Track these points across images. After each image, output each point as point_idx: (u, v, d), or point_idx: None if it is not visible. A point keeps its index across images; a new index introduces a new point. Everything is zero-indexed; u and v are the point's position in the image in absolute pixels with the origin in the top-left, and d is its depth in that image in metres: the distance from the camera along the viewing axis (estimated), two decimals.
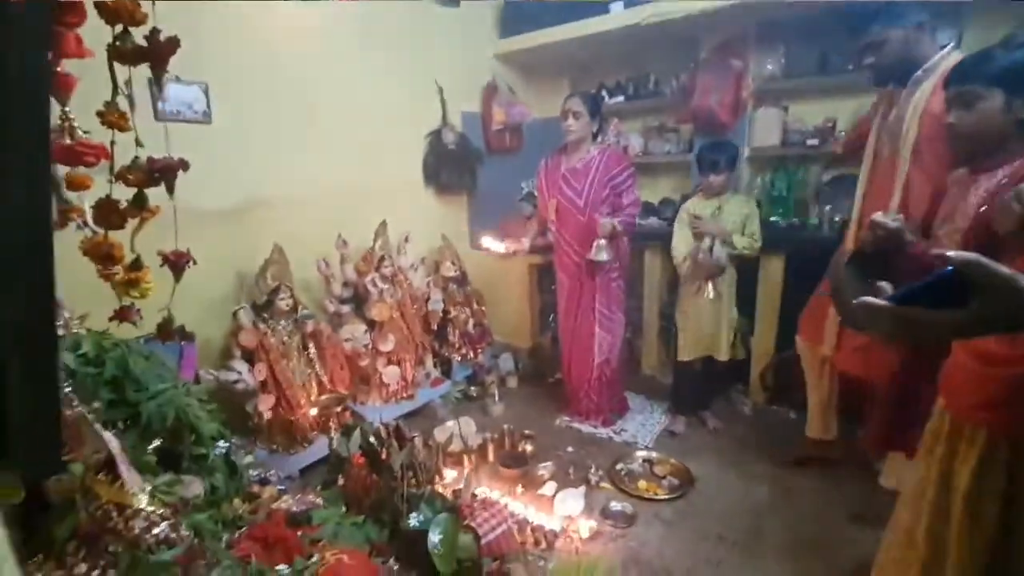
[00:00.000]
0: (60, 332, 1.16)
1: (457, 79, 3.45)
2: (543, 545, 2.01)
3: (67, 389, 1.10)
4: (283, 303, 2.43)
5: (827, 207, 2.91)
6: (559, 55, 3.65)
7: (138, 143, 1.14)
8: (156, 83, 1.06)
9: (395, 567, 1.70)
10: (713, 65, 3.10)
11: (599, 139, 2.71)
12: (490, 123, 3.64)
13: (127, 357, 1.21)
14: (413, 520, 1.73)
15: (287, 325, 2.48)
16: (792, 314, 2.44)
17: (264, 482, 2.03)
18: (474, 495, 2.02)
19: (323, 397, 2.49)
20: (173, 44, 1.08)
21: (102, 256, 1.12)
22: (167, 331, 1.30)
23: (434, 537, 1.66)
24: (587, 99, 2.58)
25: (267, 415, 2.36)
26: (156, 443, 1.23)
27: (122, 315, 1.28)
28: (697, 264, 2.57)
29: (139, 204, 1.18)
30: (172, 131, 2.20)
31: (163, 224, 2.14)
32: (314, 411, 2.42)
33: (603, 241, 2.53)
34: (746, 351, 2.92)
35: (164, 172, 1.17)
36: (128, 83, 1.04)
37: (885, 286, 0.80)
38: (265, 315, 2.43)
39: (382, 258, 2.86)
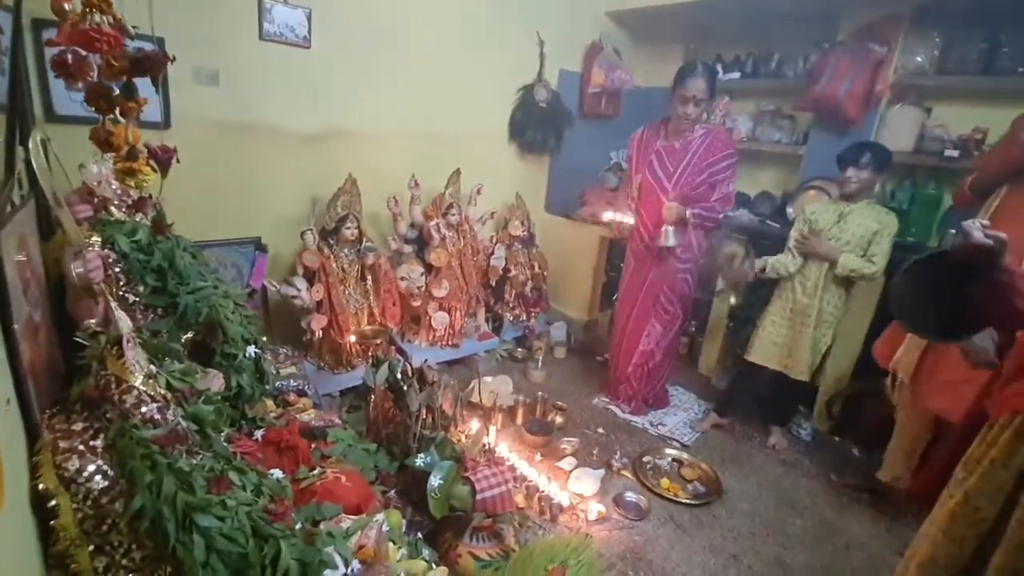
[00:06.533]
0: (122, 218, 1.28)
1: (562, 34, 3.31)
2: (547, 516, 2.00)
3: (116, 269, 1.22)
4: (349, 232, 2.53)
5: (951, 231, 2.50)
6: (677, 19, 3.37)
7: (128, 34, 1.14)
8: None
9: (395, 498, 1.77)
10: (850, 49, 2.72)
11: (705, 119, 2.46)
12: (588, 85, 3.47)
13: (175, 251, 1.31)
14: (419, 460, 1.79)
15: (349, 253, 2.59)
16: None
17: (302, 393, 2.18)
18: (484, 451, 2.04)
19: (366, 327, 2.59)
20: None
21: (100, 141, 1.16)
22: (160, 225, 1.36)
23: (434, 481, 1.70)
24: (711, 82, 2.28)
25: (319, 333, 2.50)
26: (190, 334, 1.34)
27: (137, 206, 1.37)
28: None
29: (128, 94, 1.19)
30: (273, 52, 2.37)
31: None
32: (353, 338, 2.53)
33: (670, 227, 2.38)
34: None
35: (148, 63, 1.14)
36: None
37: None
38: (331, 240, 2.54)
39: (451, 205, 2.88)
